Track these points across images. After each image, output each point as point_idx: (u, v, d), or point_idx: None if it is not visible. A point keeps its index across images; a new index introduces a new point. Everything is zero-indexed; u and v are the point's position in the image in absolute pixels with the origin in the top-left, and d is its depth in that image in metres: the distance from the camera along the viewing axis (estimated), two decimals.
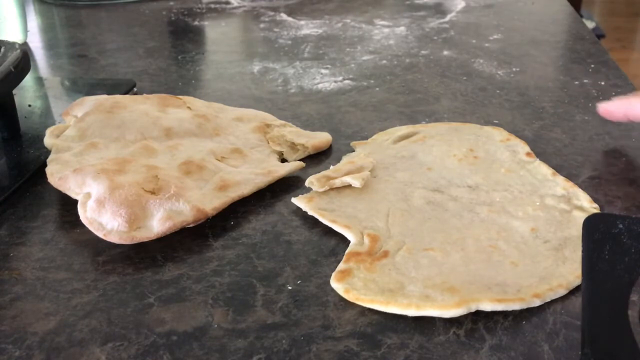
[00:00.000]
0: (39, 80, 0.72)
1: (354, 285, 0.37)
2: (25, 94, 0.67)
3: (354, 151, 0.54)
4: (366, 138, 0.56)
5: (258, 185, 0.47)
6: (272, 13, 0.99)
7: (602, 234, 0.32)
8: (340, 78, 0.71)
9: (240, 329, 0.35)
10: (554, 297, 0.37)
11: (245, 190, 0.46)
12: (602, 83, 0.67)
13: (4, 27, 0.81)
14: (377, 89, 0.68)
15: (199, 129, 0.53)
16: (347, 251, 0.40)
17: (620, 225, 0.33)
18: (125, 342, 0.34)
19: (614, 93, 0.65)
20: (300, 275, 0.39)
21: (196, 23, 0.95)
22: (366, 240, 0.41)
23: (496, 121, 0.59)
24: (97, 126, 0.51)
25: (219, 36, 0.90)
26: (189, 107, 0.56)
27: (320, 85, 0.69)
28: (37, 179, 0.50)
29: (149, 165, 0.46)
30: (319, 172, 0.48)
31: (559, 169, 0.49)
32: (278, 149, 0.53)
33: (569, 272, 0.38)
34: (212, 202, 0.44)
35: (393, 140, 0.54)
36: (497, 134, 0.54)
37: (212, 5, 1.04)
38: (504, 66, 0.74)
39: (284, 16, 0.97)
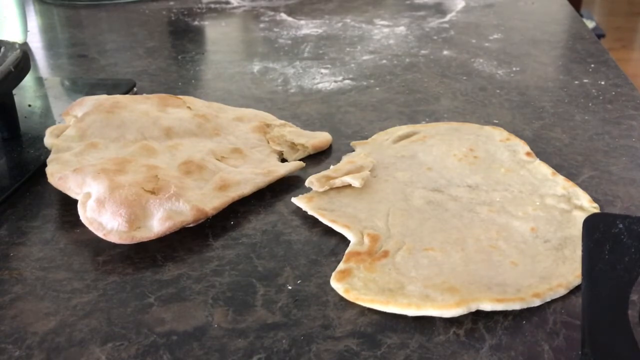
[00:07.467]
0: (39, 80, 0.72)
1: (354, 285, 0.37)
2: (25, 94, 0.67)
3: (354, 151, 0.54)
4: (366, 138, 0.56)
5: (258, 185, 0.47)
6: (272, 13, 0.99)
7: (602, 233, 0.32)
8: (340, 78, 0.71)
9: (240, 328, 0.35)
10: (554, 297, 0.37)
11: (245, 190, 0.46)
12: (602, 83, 0.67)
13: (4, 27, 0.81)
14: (377, 88, 0.68)
15: (199, 129, 0.53)
16: (347, 251, 0.40)
17: (620, 225, 0.33)
18: (125, 342, 0.34)
19: (614, 92, 0.65)
20: (300, 275, 0.39)
21: (196, 23, 0.95)
22: (366, 240, 0.41)
23: (496, 121, 0.59)
24: (97, 126, 0.51)
25: (219, 36, 0.90)
26: (189, 107, 0.56)
27: (320, 85, 0.69)
28: (37, 179, 0.50)
29: (149, 165, 0.46)
30: (319, 172, 0.48)
31: (559, 168, 0.49)
32: (278, 148, 0.53)
33: (569, 271, 0.38)
34: (212, 202, 0.44)
35: (393, 140, 0.54)
36: (497, 134, 0.54)
37: (212, 5, 1.04)
38: (504, 66, 0.74)
39: (284, 16, 0.97)
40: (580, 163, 0.51)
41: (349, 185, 0.47)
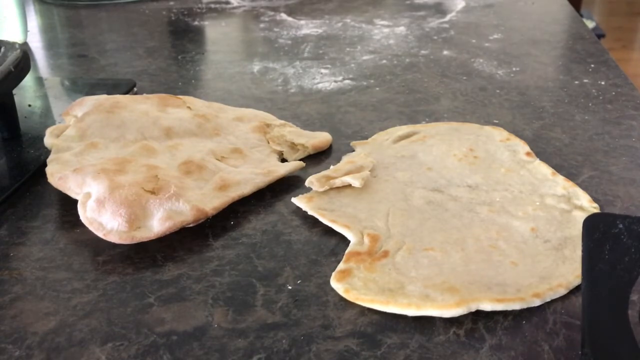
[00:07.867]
0: (39, 80, 0.72)
1: (354, 285, 0.37)
2: (25, 94, 0.67)
3: (354, 151, 0.54)
4: (366, 138, 0.56)
5: (258, 185, 0.47)
6: (272, 13, 0.99)
7: (602, 233, 0.32)
8: (340, 78, 0.71)
9: (240, 328, 0.35)
10: (554, 297, 0.37)
11: (245, 190, 0.46)
12: (602, 83, 0.67)
13: (4, 27, 0.81)
14: (377, 88, 0.68)
15: (199, 129, 0.53)
16: (347, 251, 0.40)
17: (620, 225, 0.33)
18: (125, 342, 0.34)
19: (614, 92, 0.65)
20: (300, 275, 0.39)
21: (196, 23, 0.95)
22: (366, 240, 0.41)
23: (496, 121, 0.59)
24: (97, 126, 0.51)
25: (219, 36, 0.90)
26: (189, 107, 0.56)
27: (320, 85, 0.69)
28: (37, 179, 0.50)
29: (149, 165, 0.46)
30: (319, 172, 0.48)
31: (559, 168, 0.49)
32: (278, 148, 0.53)
33: (569, 271, 0.38)
34: (212, 202, 0.44)
35: (393, 140, 0.54)
36: (497, 134, 0.54)
37: (212, 5, 1.04)
38: (504, 66, 0.74)
39: (284, 16, 0.97)
40: (580, 163, 0.51)
41: (349, 185, 0.47)
